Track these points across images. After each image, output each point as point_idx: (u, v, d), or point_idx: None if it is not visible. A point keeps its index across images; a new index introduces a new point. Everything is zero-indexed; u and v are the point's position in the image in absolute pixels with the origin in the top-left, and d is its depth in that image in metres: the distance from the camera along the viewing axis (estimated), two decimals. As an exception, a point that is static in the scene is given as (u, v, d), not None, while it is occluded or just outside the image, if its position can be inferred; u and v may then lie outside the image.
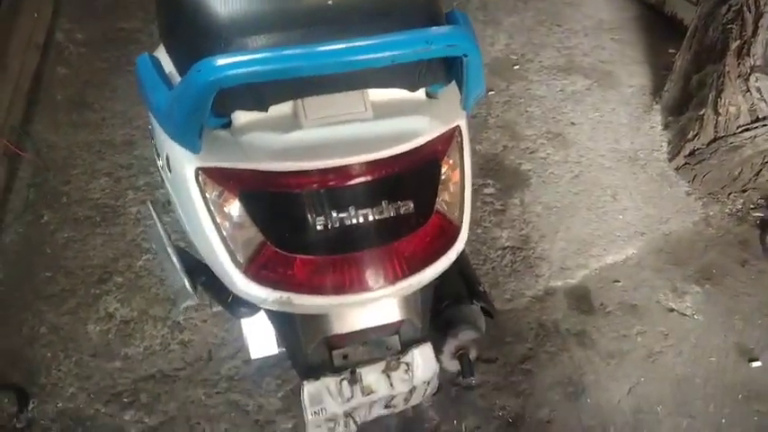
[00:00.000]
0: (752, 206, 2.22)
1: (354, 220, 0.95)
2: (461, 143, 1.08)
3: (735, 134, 2.01)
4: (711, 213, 2.21)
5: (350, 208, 0.95)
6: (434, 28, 0.83)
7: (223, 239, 0.98)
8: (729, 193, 2.22)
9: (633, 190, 2.28)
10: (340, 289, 0.97)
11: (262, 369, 1.73)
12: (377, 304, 1.08)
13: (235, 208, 0.97)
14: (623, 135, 2.49)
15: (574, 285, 2.00)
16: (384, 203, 0.96)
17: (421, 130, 0.98)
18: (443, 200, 1.04)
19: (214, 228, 0.98)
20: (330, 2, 0.91)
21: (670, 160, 2.35)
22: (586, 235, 2.13)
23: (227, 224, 0.98)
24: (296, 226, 0.96)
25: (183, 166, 1.00)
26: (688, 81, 2.28)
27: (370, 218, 0.96)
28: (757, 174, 2.11)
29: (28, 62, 2.51)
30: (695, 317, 1.92)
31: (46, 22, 2.75)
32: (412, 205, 0.98)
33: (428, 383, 1.19)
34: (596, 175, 2.32)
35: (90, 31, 2.81)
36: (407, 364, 1.16)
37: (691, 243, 2.13)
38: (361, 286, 0.98)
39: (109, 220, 2.08)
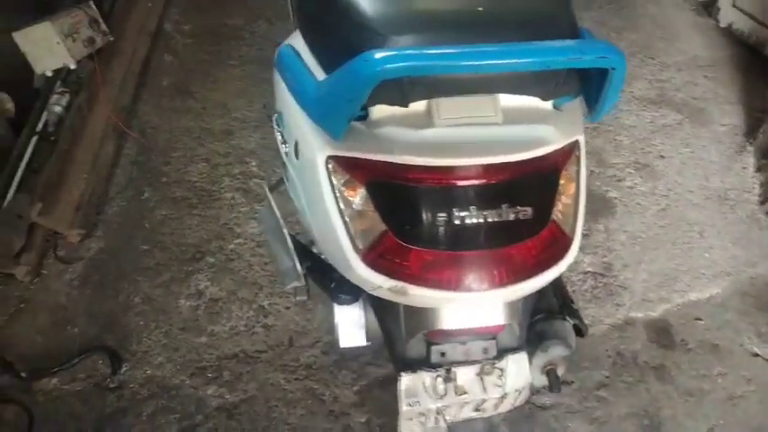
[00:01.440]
0: None
1: (474, 220, 0.98)
2: (579, 157, 1.10)
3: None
4: (805, 262, 2.14)
5: (471, 207, 0.98)
6: (585, 39, 0.86)
7: (345, 225, 1.03)
8: (825, 243, 2.15)
9: (721, 229, 2.23)
10: (453, 285, 1.00)
11: (339, 362, 1.78)
12: (482, 305, 1.11)
13: (360, 196, 1.02)
14: (713, 173, 2.45)
15: (655, 318, 1.97)
16: (504, 207, 0.99)
17: (547, 139, 1.01)
18: (559, 210, 1.06)
19: (338, 213, 1.03)
20: (480, 8, 0.95)
21: (761, 203, 2.29)
22: (670, 269, 2.10)
23: (350, 211, 1.03)
24: (418, 219, 1.00)
25: (313, 153, 1.05)
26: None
27: (490, 219, 0.99)
28: None
29: (139, 48, 2.66)
30: (782, 365, 1.87)
31: (158, 11, 2.91)
32: (530, 212, 1.01)
33: (519, 392, 1.21)
34: (683, 211, 2.28)
35: (196, 23, 2.96)
36: (501, 370, 1.18)
37: (779, 289, 2.07)
38: (473, 285, 1.00)
39: (204, 203, 2.18)
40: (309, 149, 1.08)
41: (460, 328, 1.13)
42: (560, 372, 1.35)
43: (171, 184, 2.23)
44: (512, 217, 1.00)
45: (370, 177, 1.01)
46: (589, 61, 0.83)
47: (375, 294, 1.08)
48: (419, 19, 0.95)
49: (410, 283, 1.01)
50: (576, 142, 1.09)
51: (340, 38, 1.00)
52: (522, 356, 1.19)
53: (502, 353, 1.18)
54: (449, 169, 0.98)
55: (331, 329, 1.80)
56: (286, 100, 1.17)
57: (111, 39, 2.42)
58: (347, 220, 1.03)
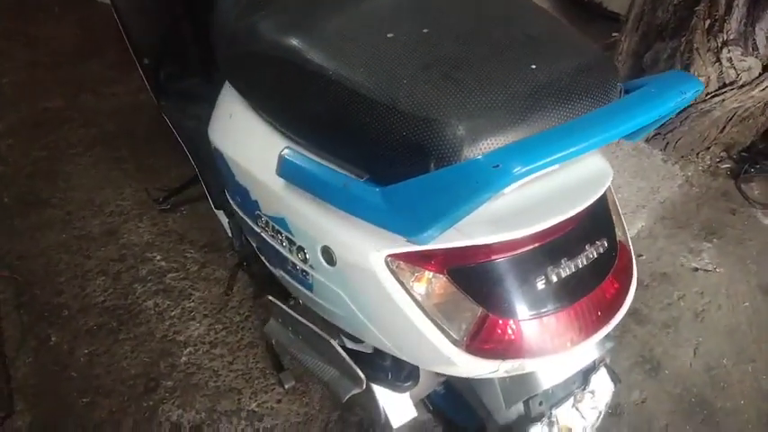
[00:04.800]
0: (717, 159, 2.46)
1: (570, 270, 0.94)
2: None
3: (704, 101, 2.21)
4: (690, 174, 2.42)
5: (563, 260, 0.94)
6: (668, 77, 0.84)
7: (432, 321, 0.93)
8: (698, 152, 2.43)
9: (619, 168, 2.43)
10: (571, 341, 0.96)
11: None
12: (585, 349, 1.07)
13: (442, 286, 0.93)
14: (585, 118, 2.64)
15: (605, 269, 2.10)
16: (587, 246, 0.97)
17: (603, 165, 1.00)
18: (617, 227, 1.06)
19: (419, 311, 0.93)
20: (533, 65, 0.88)
21: (638, 134, 2.53)
22: (597, 219, 2.24)
23: (432, 305, 0.93)
24: (516, 290, 0.93)
25: (362, 255, 0.93)
26: (638, 59, 2.47)
27: (581, 264, 0.96)
28: (722, 130, 2.34)
29: (-45, 168, 2.18)
30: (717, 270, 2.10)
31: (-45, 117, 2.40)
32: (606, 242, 1.00)
33: (608, 403, 1.21)
34: (583, 161, 2.44)
35: (10, 119, 2.50)
36: (592, 392, 1.17)
37: (684, 205, 2.32)
38: (585, 334, 0.97)
39: (127, 322, 1.86)
40: (354, 252, 0.95)
41: (563, 379, 1.09)
42: (608, 361, 1.38)
43: (76, 315, 1.87)
44: (595, 254, 0.97)
45: (451, 264, 0.91)
46: (690, 98, 0.81)
47: (487, 377, 1.00)
48: (485, 95, 0.84)
49: (529, 357, 0.94)
50: None
51: (388, 137, 0.86)
52: (602, 372, 1.19)
53: (586, 376, 1.17)
54: (532, 235, 0.91)
55: (336, 405, 1.68)
56: (295, 203, 1.01)
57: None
58: (431, 315, 0.93)
